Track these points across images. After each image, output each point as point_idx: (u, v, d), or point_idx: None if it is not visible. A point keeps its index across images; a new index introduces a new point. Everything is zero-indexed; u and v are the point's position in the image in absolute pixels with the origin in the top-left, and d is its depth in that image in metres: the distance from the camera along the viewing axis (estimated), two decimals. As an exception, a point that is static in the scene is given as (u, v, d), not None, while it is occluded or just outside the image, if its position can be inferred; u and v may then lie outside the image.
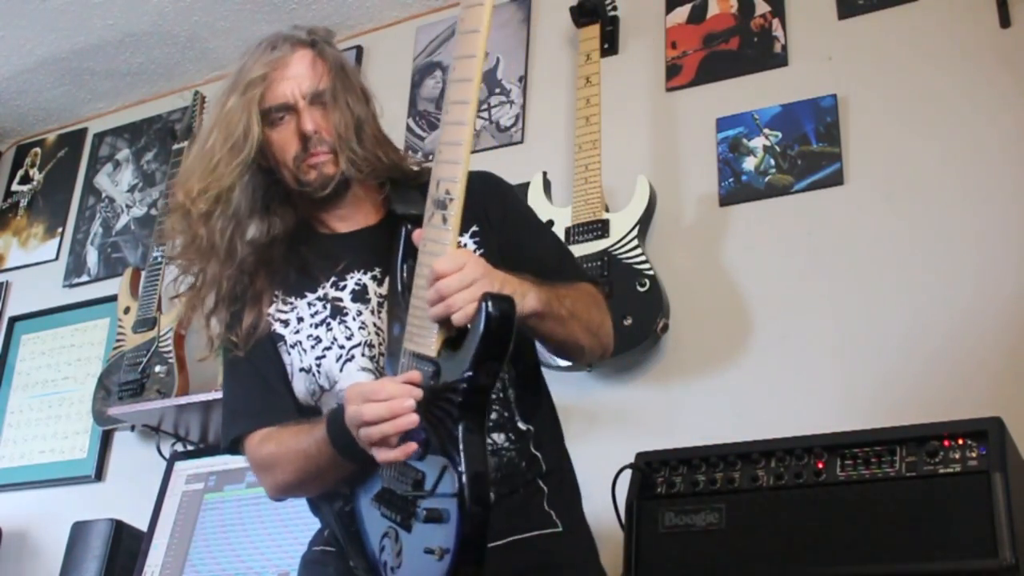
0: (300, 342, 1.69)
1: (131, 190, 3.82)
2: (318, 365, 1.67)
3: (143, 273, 3.36)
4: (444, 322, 1.43)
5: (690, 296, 2.61)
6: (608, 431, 2.57)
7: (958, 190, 2.42)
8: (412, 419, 1.40)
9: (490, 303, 1.39)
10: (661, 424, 2.52)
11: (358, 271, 1.70)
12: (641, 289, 2.54)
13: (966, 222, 2.38)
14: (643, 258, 2.57)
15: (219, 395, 2.87)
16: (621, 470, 2.01)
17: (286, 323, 1.71)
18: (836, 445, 1.81)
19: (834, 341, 2.42)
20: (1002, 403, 2.02)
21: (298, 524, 2.55)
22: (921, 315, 2.35)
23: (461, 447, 1.38)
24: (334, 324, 1.68)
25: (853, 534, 1.71)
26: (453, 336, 1.44)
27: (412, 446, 1.41)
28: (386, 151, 1.74)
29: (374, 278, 1.70)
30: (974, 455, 1.68)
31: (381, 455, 1.43)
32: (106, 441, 3.40)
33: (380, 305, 1.67)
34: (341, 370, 1.65)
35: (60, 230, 3.92)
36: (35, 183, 4.09)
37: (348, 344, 1.66)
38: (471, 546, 1.37)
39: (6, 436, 3.62)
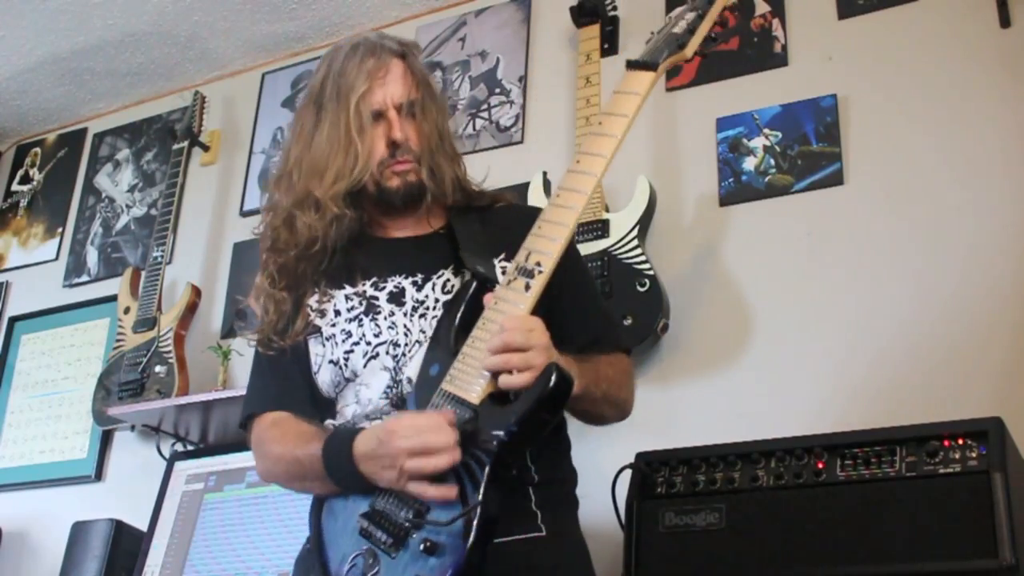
0: (334, 335, 1.74)
1: (131, 190, 3.82)
2: (346, 359, 1.71)
3: (143, 273, 3.36)
4: (494, 376, 1.47)
5: (690, 296, 2.61)
6: (608, 431, 2.55)
7: (958, 190, 2.42)
8: (456, 456, 1.44)
9: (556, 374, 1.44)
10: (661, 424, 2.51)
11: (399, 275, 1.75)
12: (641, 289, 2.54)
13: (966, 222, 2.38)
14: (643, 258, 2.57)
15: (219, 395, 2.90)
16: (621, 470, 2.01)
17: (323, 313, 1.76)
18: (836, 445, 1.81)
19: (834, 341, 2.42)
20: (1002, 403, 2.03)
21: (298, 524, 2.55)
22: (921, 315, 2.35)
23: (482, 493, 1.42)
24: (365, 321, 1.73)
25: (853, 534, 1.71)
26: (496, 393, 1.48)
27: (453, 490, 1.44)
28: (459, 166, 1.83)
29: (414, 283, 1.74)
30: (974, 455, 1.68)
31: (419, 489, 1.46)
32: (106, 441, 3.40)
33: (414, 309, 1.71)
34: (365, 366, 1.70)
35: (60, 230, 3.92)
36: (35, 183, 4.09)
37: (375, 341, 1.71)
38: None
39: (6, 436, 3.62)
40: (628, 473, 2.00)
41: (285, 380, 1.75)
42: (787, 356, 2.46)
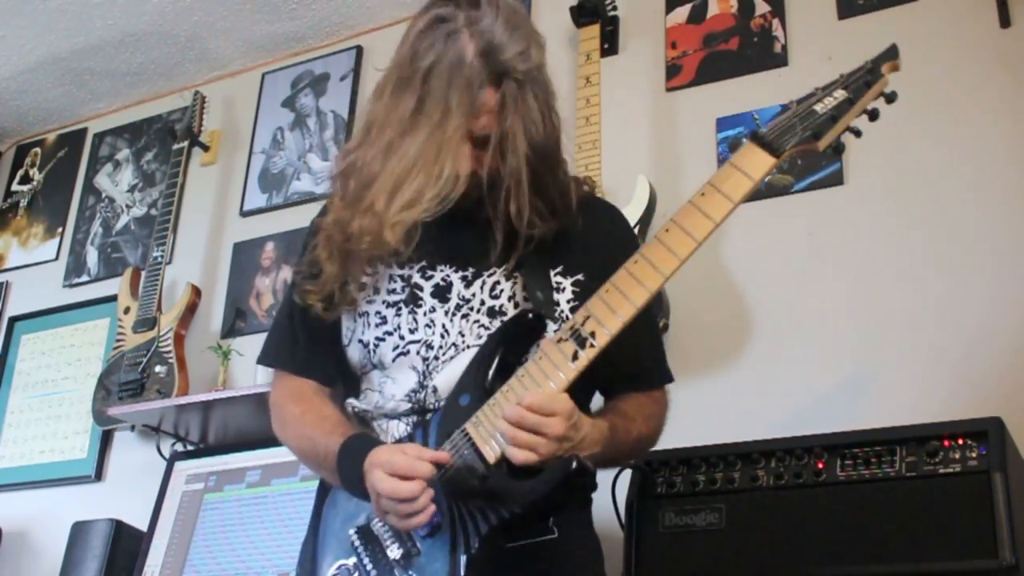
0: (368, 314, 1.66)
1: (131, 190, 3.82)
2: (375, 345, 1.64)
3: (143, 273, 3.36)
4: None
5: (690, 296, 2.60)
6: (608, 431, 2.57)
7: (958, 190, 2.42)
8: (427, 514, 1.43)
9: (577, 464, 1.39)
10: (661, 424, 2.51)
11: (449, 266, 1.66)
12: (641, 289, 2.53)
13: (965, 222, 2.38)
14: (643, 258, 2.57)
15: (219, 395, 2.90)
16: (621, 470, 2.01)
17: (362, 287, 1.66)
18: (836, 445, 1.82)
19: (834, 341, 2.42)
20: (1002, 403, 2.02)
21: (298, 524, 2.56)
22: (920, 315, 2.35)
23: (472, 557, 1.43)
24: (404, 311, 1.64)
25: (853, 534, 1.71)
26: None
27: (422, 521, 1.44)
28: (555, 183, 1.61)
29: (463, 278, 1.66)
30: (974, 455, 1.68)
31: (392, 522, 1.46)
32: (106, 441, 3.40)
33: (457, 307, 1.64)
34: (393, 360, 1.63)
35: (60, 230, 3.92)
36: (35, 183, 4.09)
37: (408, 338, 1.63)
38: None
39: (6, 436, 3.62)
40: (628, 473, 1.99)
41: (316, 344, 1.70)
42: (787, 356, 2.46)
